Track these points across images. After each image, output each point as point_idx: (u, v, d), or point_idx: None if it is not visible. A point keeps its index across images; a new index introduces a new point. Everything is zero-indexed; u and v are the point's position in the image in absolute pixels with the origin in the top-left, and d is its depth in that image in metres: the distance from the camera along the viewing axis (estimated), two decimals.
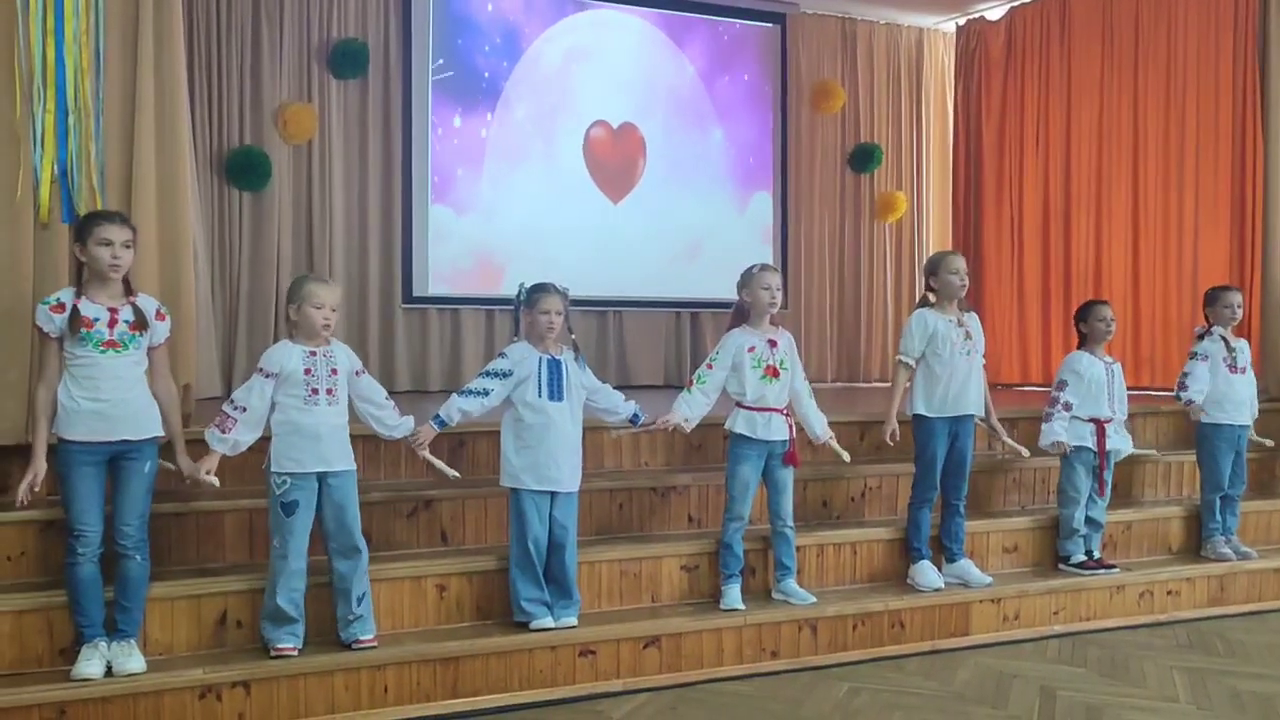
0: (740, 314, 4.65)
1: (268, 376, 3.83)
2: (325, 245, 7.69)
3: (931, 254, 5.50)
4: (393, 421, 4.08)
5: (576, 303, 5.10)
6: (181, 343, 4.35)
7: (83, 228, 3.66)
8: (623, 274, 8.50)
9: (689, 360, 8.77)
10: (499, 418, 4.32)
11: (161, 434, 3.76)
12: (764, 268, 4.65)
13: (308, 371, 3.84)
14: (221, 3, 7.34)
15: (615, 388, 8.35)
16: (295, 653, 3.82)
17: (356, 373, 4.00)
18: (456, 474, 4.20)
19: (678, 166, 8.84)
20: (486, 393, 4.20)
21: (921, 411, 4.93)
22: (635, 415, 4.45)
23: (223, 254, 7.39)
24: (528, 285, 4.34)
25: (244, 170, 7.29)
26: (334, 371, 3.90)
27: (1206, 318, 5.79)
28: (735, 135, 9.10)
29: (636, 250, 8.57)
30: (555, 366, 4.24)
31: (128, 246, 3.65)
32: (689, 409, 4.55)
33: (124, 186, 4.27)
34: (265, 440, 3.90)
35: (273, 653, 3.80)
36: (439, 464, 4.20)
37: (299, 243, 7.64)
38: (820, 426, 4.75)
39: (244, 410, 3.81)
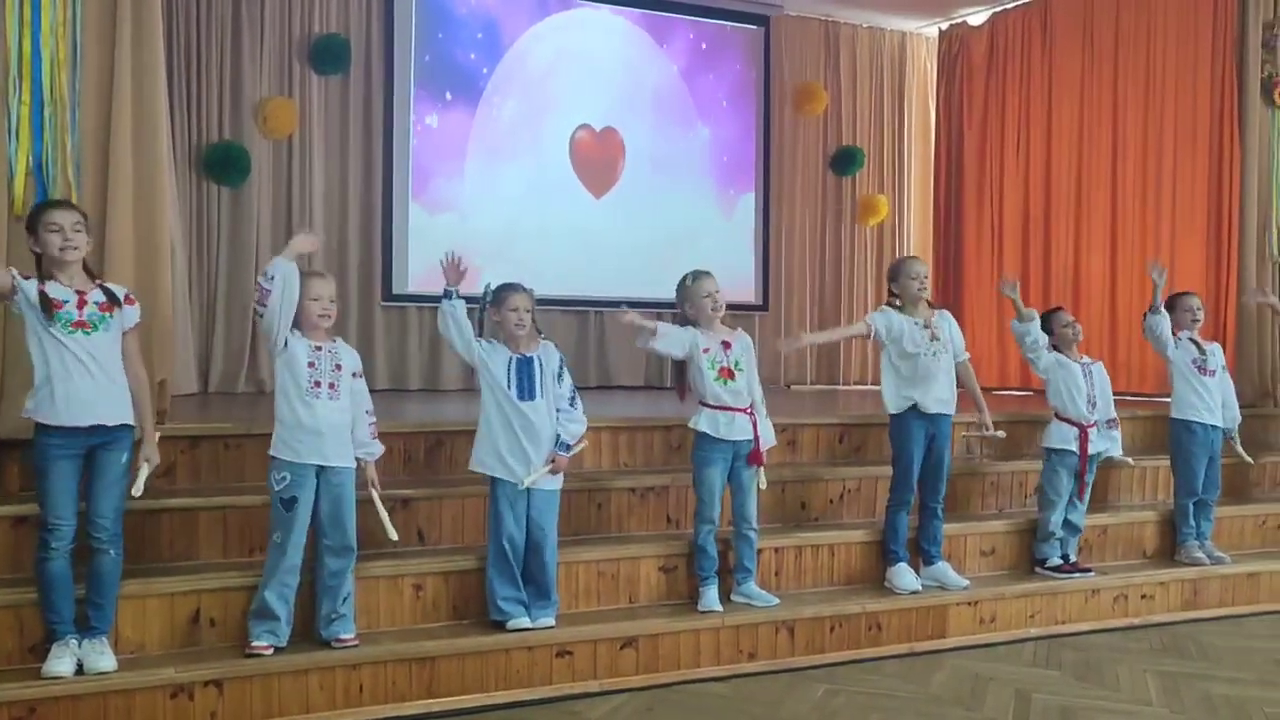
0: (687, 325, 4.61)
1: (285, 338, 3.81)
2: (312, 252, 7.61)
3: (892, 260, 5.52)
4: (363, 436, 4.01)
5: (556, 302, 5.15)
6: (158, 338, 4.31)
7: (32, 220, 3.62)
8: (603, 274, 8.48)
9: (669, 361, 8.73)
10: (478, 417, 4.30)
11: (135, 423, 3.70)
12: (697, 276, 4.60)
13: (311, 364, 3.84)
14: None
15: (595, 388, 8.42)
16: (270, 652, 3.79)
17: (355, 374, 3.99)
18: (396, 537, 4.10)
19: (660, 167, 8.83)
20: (469, 331, 4.15)
21: (890, 409, 4.94)
22: (565, 444, 4.26)
23: (200, 250, 7.32)
24: (494, 285, 4.31)
25: (223, 165, 7.23)
26: (338, 367, 3.92)
27: (1172, 325, 5.83)
28: (718, 137, 9.10)
29: (617, 251, 8.56)
30: (525, 365, 4.22)
31: (78, 230, 3.58)
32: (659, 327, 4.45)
33: (100, 180, 4.23)
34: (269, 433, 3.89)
35: (247, 651, 3.77)
36: (384, 515, 4.07)
37: (278, 239, 7.56)
38: (769, 439, 4.67)
39: (273, 279, 3.76)
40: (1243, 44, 7.11)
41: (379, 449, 4.10)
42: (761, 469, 4.60)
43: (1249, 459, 5.97)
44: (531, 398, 4.19)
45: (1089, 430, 5.32)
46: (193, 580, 3.93)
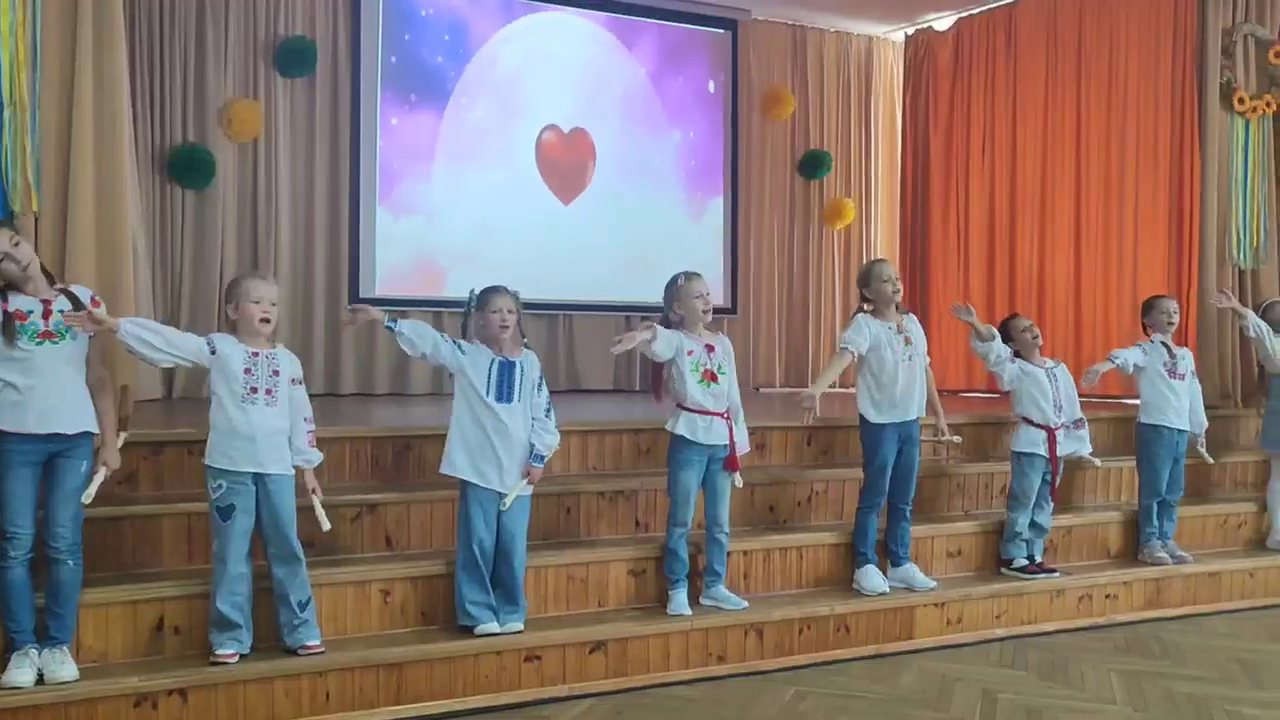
0: (672, 325, 4.61)
1: (209, 343, 3.78)
2: (270, 245, 7.58)
3: (863, 265, 5.55)
4: (302, 444, 3.94)
5: (525, 306, 5.08)
6: (119, 345, 4.25)
7: None
8: (572, 278, 8.47)
9: (639, 365, 8.76)
10: (448, 422, 4.28)
11: (97, 430, 3.66)
12: (689, 277, 4.62)
13: (247, 370, 3.78)
14: None
15: (564, 391, 8.41)
16: (235, 659, 3.75)
17: (294, 380, 3.94)
18: (329, 526, 4.05)
19: (628, 170, 8.84)
20: (439, 341, 4.14)
21: (870, 417, 4.96)
22: (539, 455, 4.26)
23: (164, 253, 7.24)
24: (478, 289, 4.30)
25: (187, 168, 7.15)
26: (276, 373, 3.85)
27: (1145, 327, 5.91)
28: (686, 140, 9.12)
29: (586, 254, 8.55)
30: (507, 368, 4.21)
31: (16, 243, 3.52)
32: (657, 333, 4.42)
33: (60, 183, 4.18)
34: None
35: (211, 659, 3.73)
36: (320, 509, 4.02)
37: (243, 242, 7.52)
38: (743, 446, 4.69)
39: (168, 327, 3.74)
40: (1202, 51, 7.20)
41: (318, 456, 4.02)
42: (738, 472, 4.63)
43: (1210, 459, 6.05)
44: (508, 401, 4.18)
45: (1056, 433, 5.38)
46: (156, 588, 3.88)
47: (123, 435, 3.90)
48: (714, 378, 4.55)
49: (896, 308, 5.02)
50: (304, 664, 3.82)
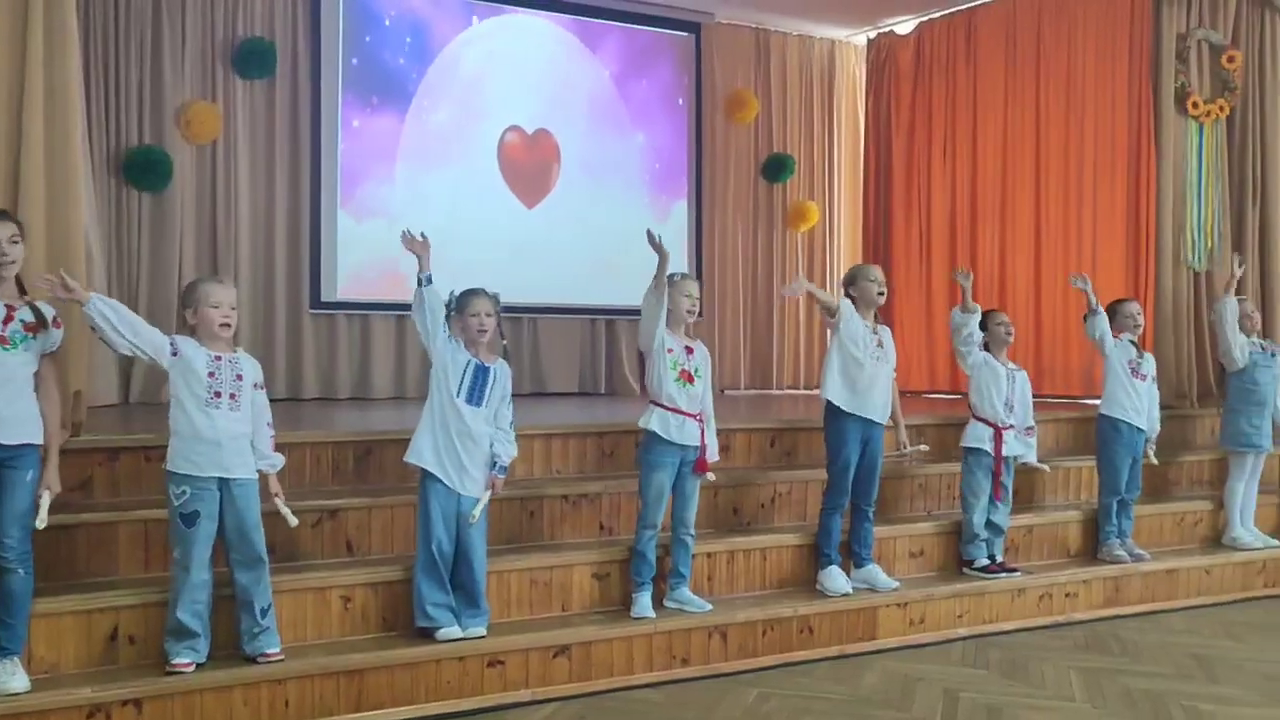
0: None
1: (171, 344, 3.73)
2: (230, 248, 7.49)
3: (850, 268, 5.64)
4: (264, 449, 3.91)
5: None
6: (74, 348, 4.18)
7: None
8: (536, 280, 8.43)
9: (604, 368, 8.75)
10: (411, 425, 4.25)
11: (40, 442, 3.58)
12: (685, 276, 4.73)
13: (211, 375, 3.74)
14: None
15: (528, 394, 8.38)
16: (192, 669, 3.70)
17: (256, 385, 3.90)
18: (296, 522, 4.03)
19: (592, 173, 8.82)
20: (442, 321, 4.13)
21: (836, 402, 4.96)
22: (503, 466, 4.27)
23: (121, 256, 7.13)
24: (456, 292, 4.28)
25: (143, 170, 7.05)
26: (239, 377, 3.82)
27: (1112, 330, 5.97)
28: (650, 143, 9.12)
29: (550, 257, 8.51)
30: (481, 372, 4.21)
31: (15, 242, 3.51)
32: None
33: (10, 185, 4.10)
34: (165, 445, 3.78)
35: (167, 669, 3.68)
36: (284, 508, 3.98)
37: (202, 245, 7.43)
38: (713, 453, 4.72)
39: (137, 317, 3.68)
40: (1158, 55, 7.31)
41: (281, 460, 4.00)
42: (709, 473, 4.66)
43: (1155, 460, 6.12)
44: (478, 405, 4.18)
45: (1004, 432, 5.43)
46: (111, 597, 3.82)
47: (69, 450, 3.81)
48: (690, 379, 4.59)
49: (875, 316, 5.10)
50: (263, 672, 3.78)
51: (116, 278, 7.09)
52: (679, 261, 9.02)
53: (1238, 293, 6.48)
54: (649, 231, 4.44)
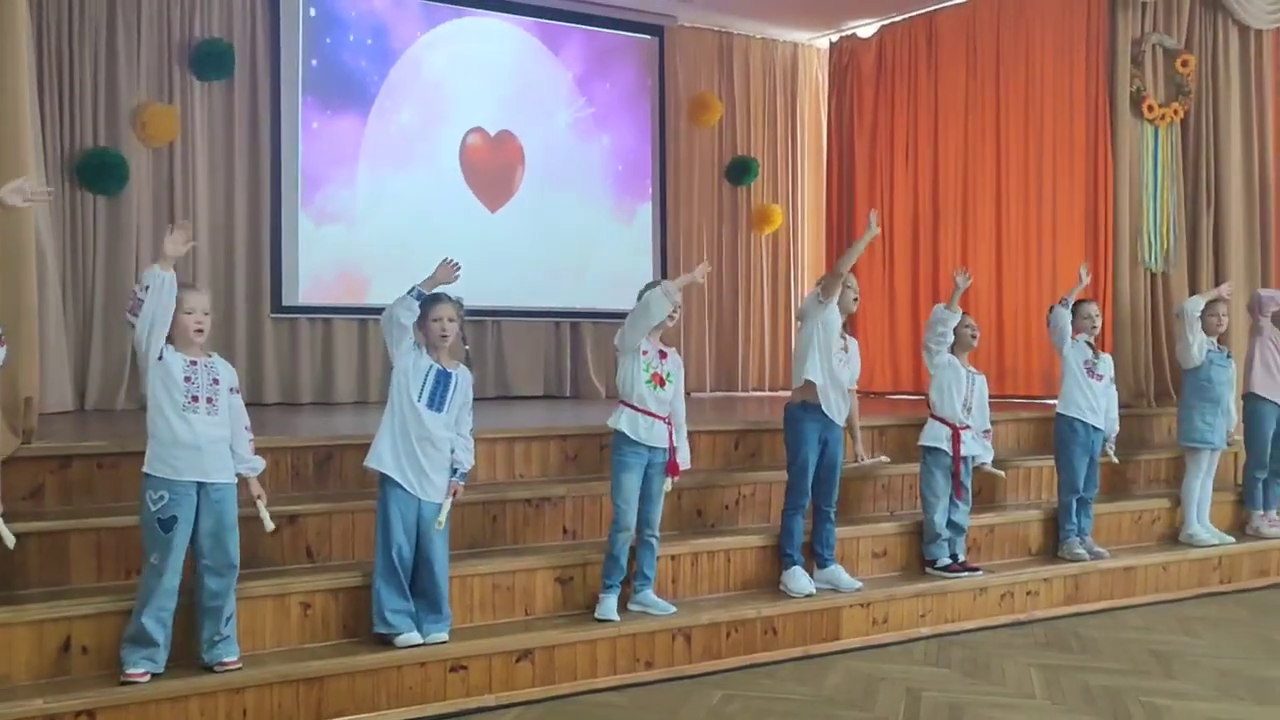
0: None
1: (162, 348, 3.70)
2: (188, 252, 7.36)
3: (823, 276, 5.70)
4: (244, 452, 3.90)
5: None
6: (24, 355, 4.12)
7: None
8: (500, 283, 8.40)
9: (569, 371, 8.73)
10: (373, 430, 4.22)
11: None
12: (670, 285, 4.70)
13: (188, 379, 3.72)
14: None
15: (493, 398, 8.34)
16: (147, 679, 3.64)
17: (232, 389, 3.88)
18: (273, 527, 4.02)
19: (556, 175, 8.79)
20: (411, 332, 4.13)
21: (811, 376, 4.98)
22: (462, 474, 4.26)
23: (75, 261, 7.01)
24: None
25: (98, 173, 6.94)
26: (215, 381, 3.81)
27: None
28: (614, 146, 9.11)
29: (514, 260, 8.47)
30: (443, 378, 4.19)
31: None
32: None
33: None
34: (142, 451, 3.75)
35: (122, 679, 3.62)
36: (264, 512, 3.97)
37: (160, 249, 7.29)
38: (685, 460, 4.74)
39: (147, 288, 3.65)
40: (1113, 60, 7.40)
41: (261, 463, 3.99)
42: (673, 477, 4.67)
43: (1115, 459, 6.20)
44: (439, 410, 4.16)
45: (961, 432, 5.48)
46: (63, 606, 3.76)
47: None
48: (662, 382, 4.61)
49: (845, 325, 5.17)
50: (220, 681, 3.73)
51: (71, 283, 6.99)
52: (644, 265, 9.04)
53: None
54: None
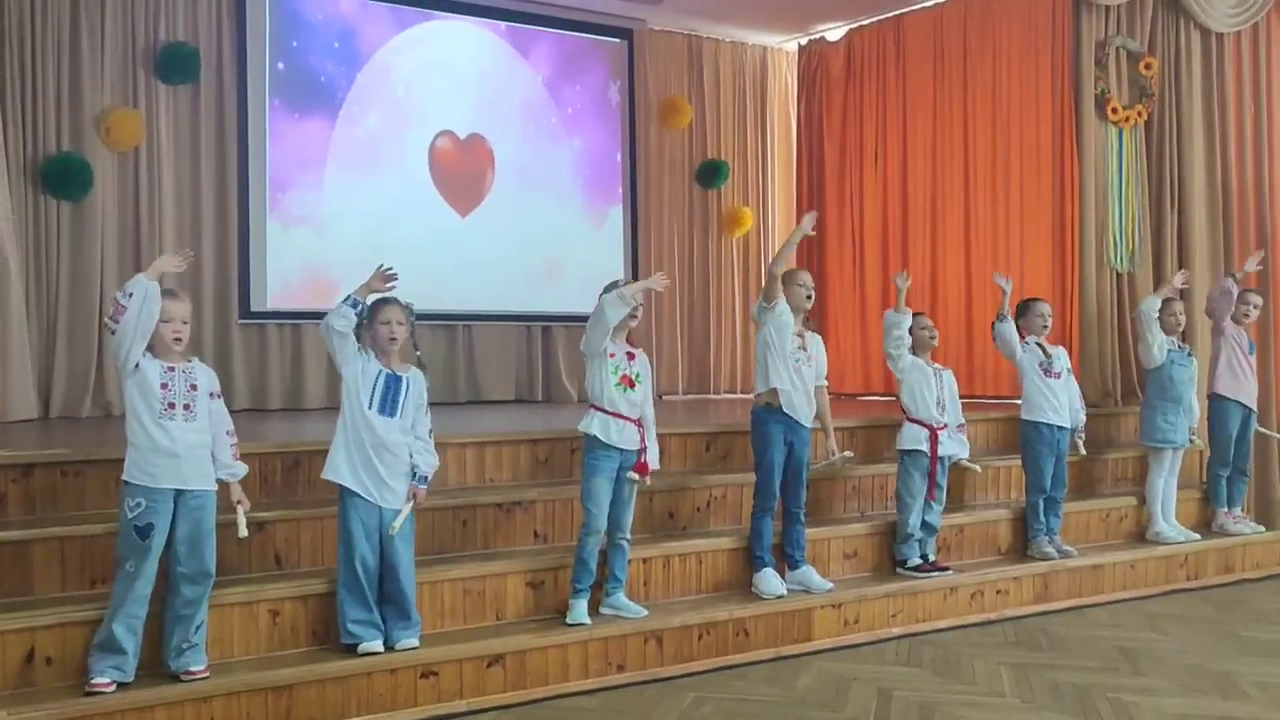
0: None
1: (138, 363, 3.66)
2: (154, 257, 7.23)
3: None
4: (225, 458, 3.89)
5: (425, 317, 5.00)
6: None
7: None
8: (471, 288, 8.38)
9: (540, 375, 8.71)
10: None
11: None
12: (627, 284, 4.68)
13: (164, 386, 3.69)
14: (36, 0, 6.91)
15: (465, 403, 8.30)
16: (113, 689, 3.60)
17: (213, 394, 3.85)
18: (245, 534, 3.98)
19: (527, 179, 8.77)
20: (352, 339, 4.09)
21: (775, 383, 5.00)
22: (423, 476, 4.22)
23: (39, 267, 6.92)
24: (370, 299, 4.22)
25: (62, 178, 6.85)
26: (193, 388, 3.78)
27: (1020, 328, 6.09)
28: (585, 149, 9.10)
29: (486, 264, 8.46)
30: (393, 382, 4.15)
31: None
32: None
33: None
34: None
35: (87, 689, 3.58)
36: (242, 518, 3.94)
37: (125, 256, 7.24)
38: (654, 460, 4.74)
39: (131, 295, 3.63)
40: (1078, 62, 7.48)
41: (243, 469, 3.96)
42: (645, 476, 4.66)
43: (1084, 451, 6.26)
44: (391, 415, 4.12)
45: (939, 432, 5.51)
46: (26, 617, 3.71)
47: None
48: (631, 384, 4.61)
49: (805, 320, 5.16)
50: (187, 690, 3.69)
51: (35, 289, 6.90)
52: (615, 268, 9.04)
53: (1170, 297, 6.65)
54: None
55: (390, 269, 4.17)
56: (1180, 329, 6.60)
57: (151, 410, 3.66)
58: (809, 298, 5.18)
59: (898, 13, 8.97)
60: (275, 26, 7.78)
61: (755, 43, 10.00)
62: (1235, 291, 6.67)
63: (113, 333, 3.66)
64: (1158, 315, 6.39)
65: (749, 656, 4.78)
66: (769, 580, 5.00)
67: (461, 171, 8.55)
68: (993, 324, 6.05)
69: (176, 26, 7.39)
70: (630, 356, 4.65)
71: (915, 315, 5.73)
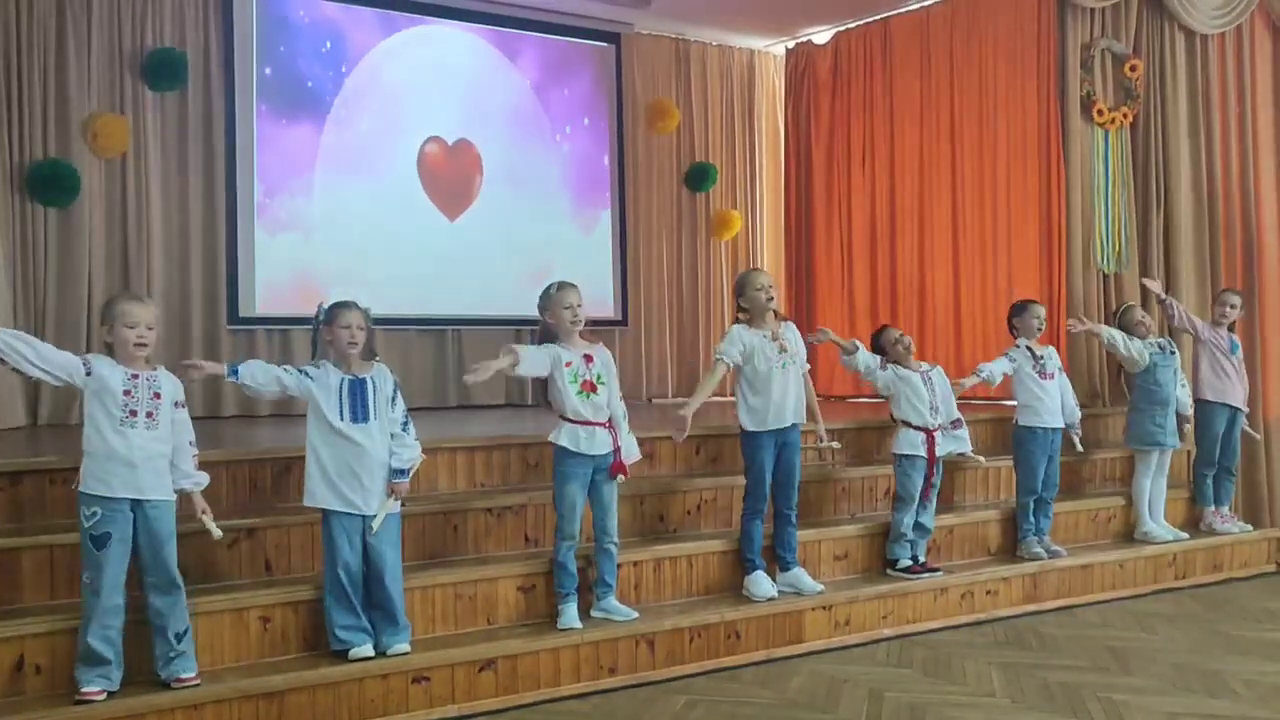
0: (548, 335, 4.61)
1: (85, 363, 3.65)
2: (142, 264, 7.29)
3: (738, 274, 5.64)
4: (187, 467, 3.84)
5: (413, 322, 5.04)
6: None
7: None
8: (460, 292, 8.38)
9: (530, 380, 8.66)
10: None
11: None
12: (562, 286, 4.59)
13: (127, 393, 3.66)
14: (22, 5, 6.86)
15: (454, 408, 8.28)
16: (103, 697, 3.59)
17: (177, 404, 3.82)
18: (220, 534, 3.97)
19: (515, 183, 8.78)
20: (281, 377, 4.06)
21: (747, 427, 5.02)
22: (401, 470, 4.17)
23: (26, 274, 6.88)
24: (326, 305, 4.20)
25: (48, 185, 6.83)
26: (156, 396, 3.73)
27: (1013, 329, 6.11)
28: (573, 154, 9.11)
29: (474, 268, 8.45)
30: (358, 386, 4.12)
31: None
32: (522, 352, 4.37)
33: None
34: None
35: (77, 698, 3.56)
36: (209, 523, 3.92)
37: (112, 262, 7.22)
38: (633, 454, 4.71)
39: (43, 343, 3.59)
40: (1063, 65, 7.50)
41: (205, 478, 3.92)
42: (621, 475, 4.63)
43: (1080, 448, 6.28)
44: (364, 420, 4.10)
45: (934, 434, 5.53)
46: (14, 625, 3.70)
47: None
48: (593, 388, 4.56)
49: (776, 314, 5.10)
50: (177, 698, 3.68)
51: (22, 297, 6.86)
52: (604, 272, 9.05)
53: (1133, 302, 6.70)
54: (465, 379, 4.26)
55: (188, 362, 4.02)
56: (1153, 331, 6.64)
57: (111, 417, 3.62)
58: (770, 299, 5.04)
59: (884, 16, 9.00)
60: (262, 31, 7.76)
61: (742, 46, 10.02)
62: (1177, 312, 6.74)
63: (39, 381, 3.63)
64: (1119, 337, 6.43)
65: (740, 659, 4.78)
66: (759, 582, 5.01)
67: (450, 177, 8.54)
68: (974, 375, 6.04)
69: (163, 32, 7.37)
70: (588, 359, 4.56)
71: (884, 330, 5.74)
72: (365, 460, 4.07)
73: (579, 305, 4.56)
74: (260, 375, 4.05)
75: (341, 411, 4.06)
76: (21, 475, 4.28)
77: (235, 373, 4.03)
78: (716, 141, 9.91)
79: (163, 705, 3.64)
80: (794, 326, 5.21)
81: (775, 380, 4.97)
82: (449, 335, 8.41)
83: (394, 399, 4.22)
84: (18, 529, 4.16)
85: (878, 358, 5.55)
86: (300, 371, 4.11)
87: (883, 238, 9.09)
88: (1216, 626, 5.43)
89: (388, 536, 4.13)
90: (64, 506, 4.31)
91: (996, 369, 5.99)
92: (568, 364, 4.52)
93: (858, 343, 5.55)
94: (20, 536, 4.01)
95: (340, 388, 4.08)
